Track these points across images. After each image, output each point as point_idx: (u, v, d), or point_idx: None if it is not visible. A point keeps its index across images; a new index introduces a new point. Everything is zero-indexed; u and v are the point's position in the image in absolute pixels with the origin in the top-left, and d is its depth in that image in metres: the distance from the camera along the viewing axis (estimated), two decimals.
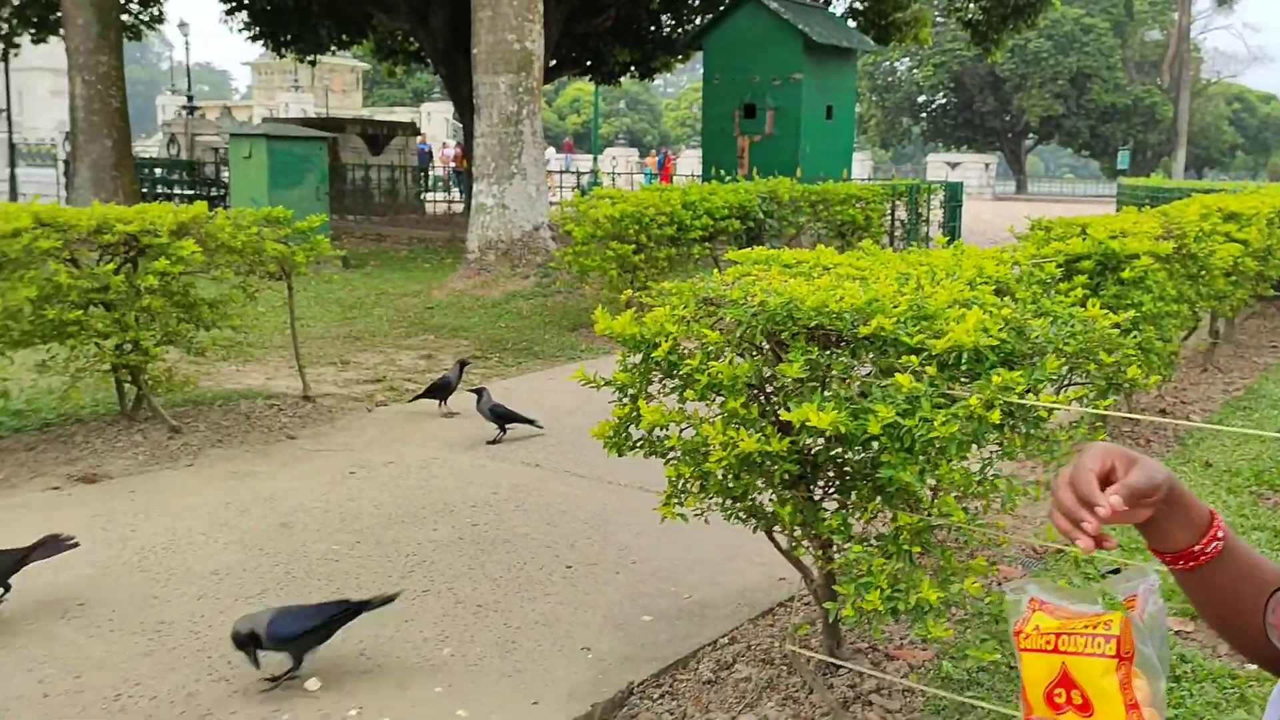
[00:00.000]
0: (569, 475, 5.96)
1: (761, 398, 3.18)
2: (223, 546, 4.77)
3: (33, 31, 24.61)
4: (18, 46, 25.61)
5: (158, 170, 24.30)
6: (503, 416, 6.59)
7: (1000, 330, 2.80)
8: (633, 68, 26.13)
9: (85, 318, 6.03)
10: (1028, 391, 2.76)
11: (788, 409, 2.83)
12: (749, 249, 4.06)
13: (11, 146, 28.16)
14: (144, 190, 19.99)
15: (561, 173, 28.11)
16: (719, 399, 3.08)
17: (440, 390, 7.16)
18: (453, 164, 34.57)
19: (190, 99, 35.54)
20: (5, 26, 24.41)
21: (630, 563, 4.67)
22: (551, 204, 14.86)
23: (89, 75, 16.10)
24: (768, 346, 3.14)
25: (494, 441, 6.56)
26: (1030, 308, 3.14)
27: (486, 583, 4.42)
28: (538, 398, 7.85)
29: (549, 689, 3.54)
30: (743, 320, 2.97)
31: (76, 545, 4.14)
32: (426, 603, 4.21)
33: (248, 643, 3.42)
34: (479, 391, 6.70)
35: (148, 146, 35.53)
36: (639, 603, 4.25)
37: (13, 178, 27.44)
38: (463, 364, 7.34)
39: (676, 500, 3.23)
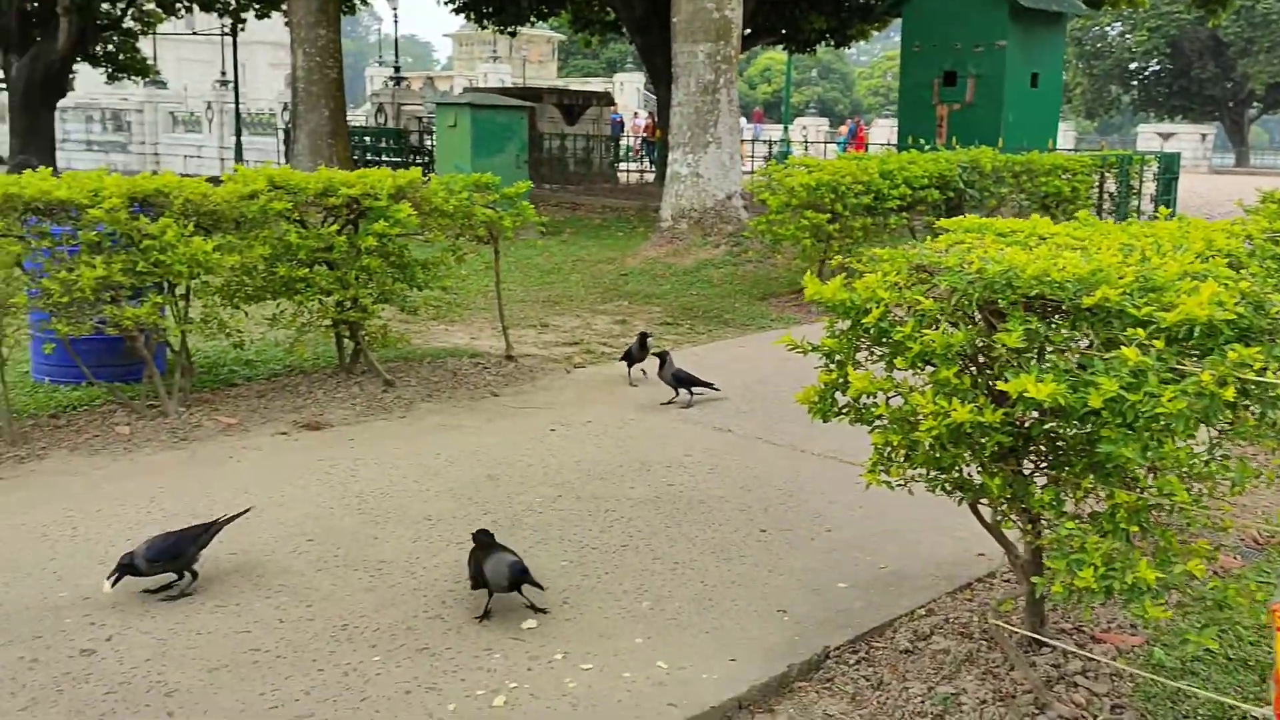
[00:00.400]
0: (760, 442, 6.00)
1: (973, 368, 3.13)
2: (434, 494, 5.04)
3: (257, 6, 26.17)
4: (244, 21, 27.29)
5: (367, 138, 25.51)
6: (683, 381, 6.74)
7: (1237, 304, 2.68)
8: (828, 35, 25.68)
9: (311, 275, 6.45)
10: (1264, 369, 2.63)
11: (1003, 379, 2.79)
12: (957, 218, 3.98)
13: (238, 115, 30.08)
14: (354, 157, 21.04)
15: (752, 142, 27.98)
16: (929, 368, 3.06)
17: (627, 359, 7.28)
18: (644, 133, 34.87)
19: (398, 70, 37.06)
20: (234, 2, 26.03)
21: (824, 530, 4.68)
22: (743, 173, 14.83)
23: (310, 48, 17.03)
24: (979, 316, 3.10)
25: (670, 403, 6.72)
26: (1270, 282, 2.98)
27: (683, 541, 4.53)
28: (728, 365, 7.92)
29: (745, 647, 3.61)
30: (958, 287, 2.93)
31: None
32: (625, 557, 4.35)
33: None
34: (662, 356, 6.85)
35: (355, 116, 37.28)
36: (834, 569, 4.27)
37: (238, 145, 29.33)
38: (644, 335, 7.33)
39: (882, 468, 3.22)
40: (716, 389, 6.82)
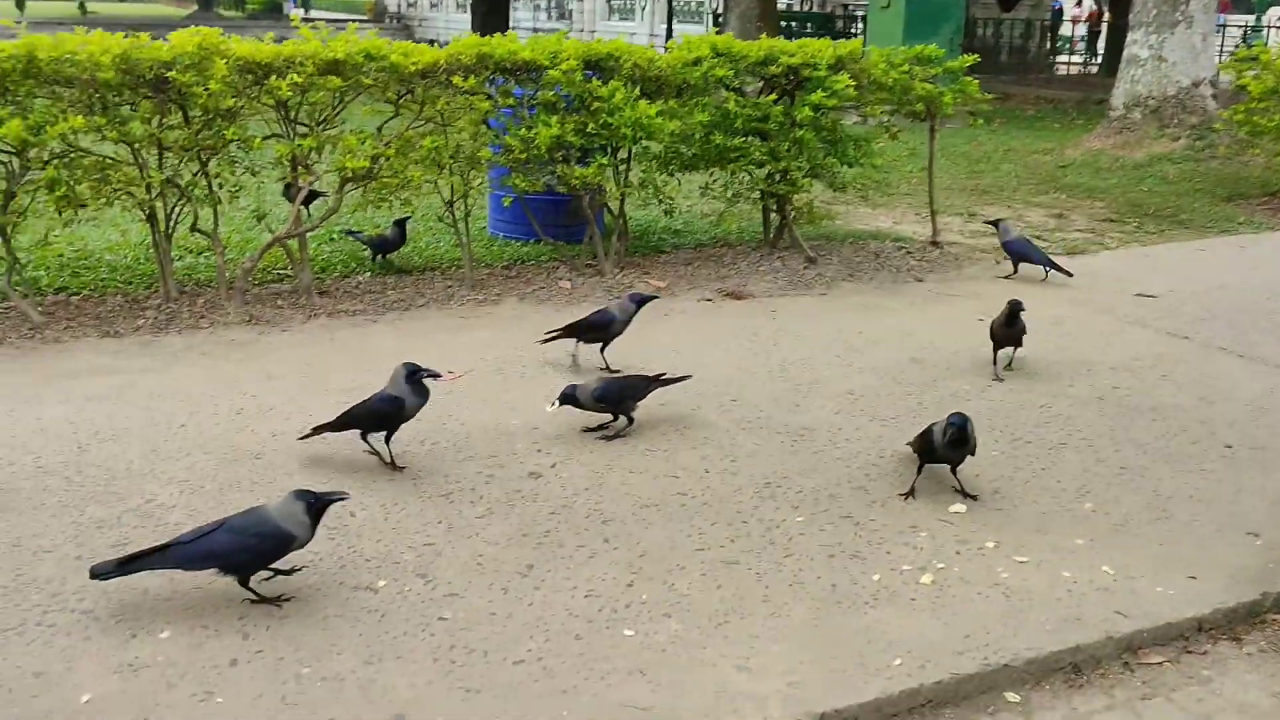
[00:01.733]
0: (1223, 352, 5.32)
1: None
2: (856, 370, 4.92)
3: None
4: None
5: (793, 23, 25.28)
6: (1021, 255, 6.56)
7: None
8: None
9: (745, 145, 6.44)
10: None
11: None
12: None
13: (670, 2, 30.88)
14: None
15: (1220, 28, 24.69)
16: None
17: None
18: (1086, 21, 31.86)
19: None
20: None
21: None
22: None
23: None
24: None
25: (1009, 277, 6.66)
26: None
27: (1130, 446, 4.11)
28: (1183, 268, 7.10)
29: (1206, 567, 3.21)
30: None
31: (689, 378, 4.40)
32: (1064, 455, 4.02)
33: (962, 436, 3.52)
34: (996, 224, 6.73)
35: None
36: None
37: (669, 31, 30.14)
38: (1015, 307, 5.30)
39: None
40: (1068, 273, 6.54)
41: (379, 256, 6.41)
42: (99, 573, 2.76)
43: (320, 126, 5.56)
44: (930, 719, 2.59)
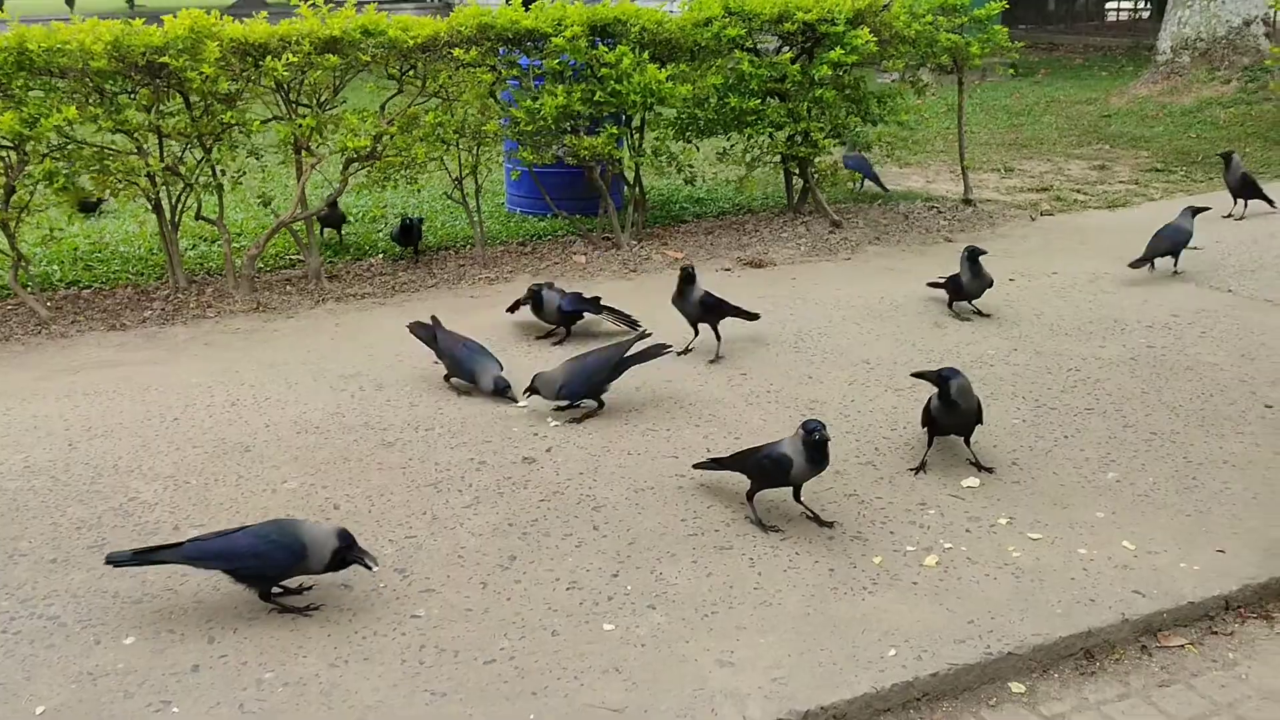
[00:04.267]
0: (1271, 306, 5.05)
1: None
2: (875, 337, 4.72)
3: None
4: None
5: None
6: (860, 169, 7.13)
7: None
8: None
9: (762, 108, 6.21)
10: None
11: None
12: None
13: None
14: None
15: None
16: None
17: None
18: None
19: None
20: None
21: None
22: None
23: None
24: None
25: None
26: None
27: (1162, 410, 3.87)
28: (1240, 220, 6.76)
29: (1239, 538, 2.99)
30: None
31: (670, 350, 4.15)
32: (1089, 421, 3.79)
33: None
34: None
35: None
36: None
37: None
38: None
39: None
40: (884, 187, 7.15)
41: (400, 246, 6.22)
42: (114, 560, 2.69)
43: (321, 106, 5.44)
44: (926, 713, 2.42)
